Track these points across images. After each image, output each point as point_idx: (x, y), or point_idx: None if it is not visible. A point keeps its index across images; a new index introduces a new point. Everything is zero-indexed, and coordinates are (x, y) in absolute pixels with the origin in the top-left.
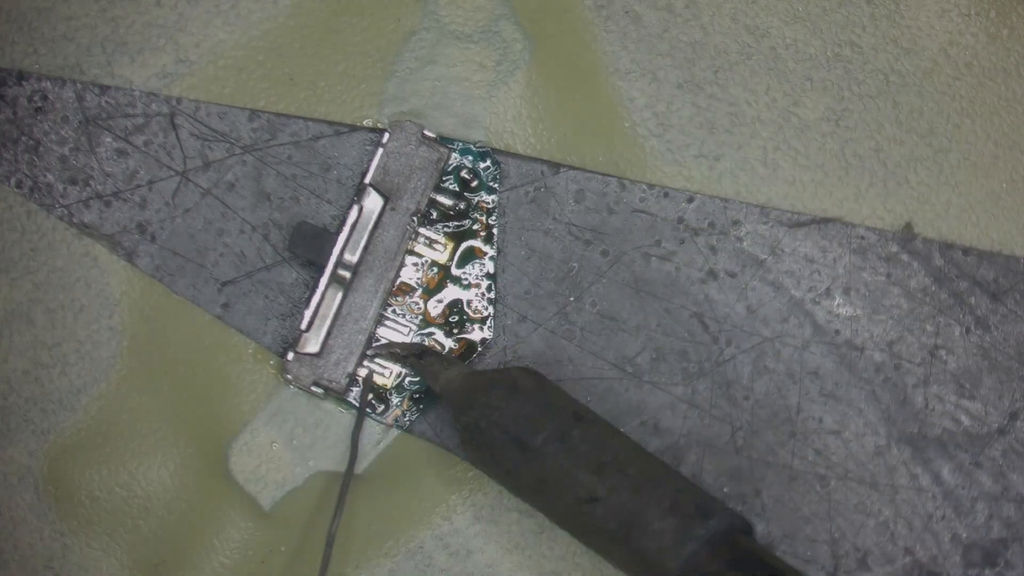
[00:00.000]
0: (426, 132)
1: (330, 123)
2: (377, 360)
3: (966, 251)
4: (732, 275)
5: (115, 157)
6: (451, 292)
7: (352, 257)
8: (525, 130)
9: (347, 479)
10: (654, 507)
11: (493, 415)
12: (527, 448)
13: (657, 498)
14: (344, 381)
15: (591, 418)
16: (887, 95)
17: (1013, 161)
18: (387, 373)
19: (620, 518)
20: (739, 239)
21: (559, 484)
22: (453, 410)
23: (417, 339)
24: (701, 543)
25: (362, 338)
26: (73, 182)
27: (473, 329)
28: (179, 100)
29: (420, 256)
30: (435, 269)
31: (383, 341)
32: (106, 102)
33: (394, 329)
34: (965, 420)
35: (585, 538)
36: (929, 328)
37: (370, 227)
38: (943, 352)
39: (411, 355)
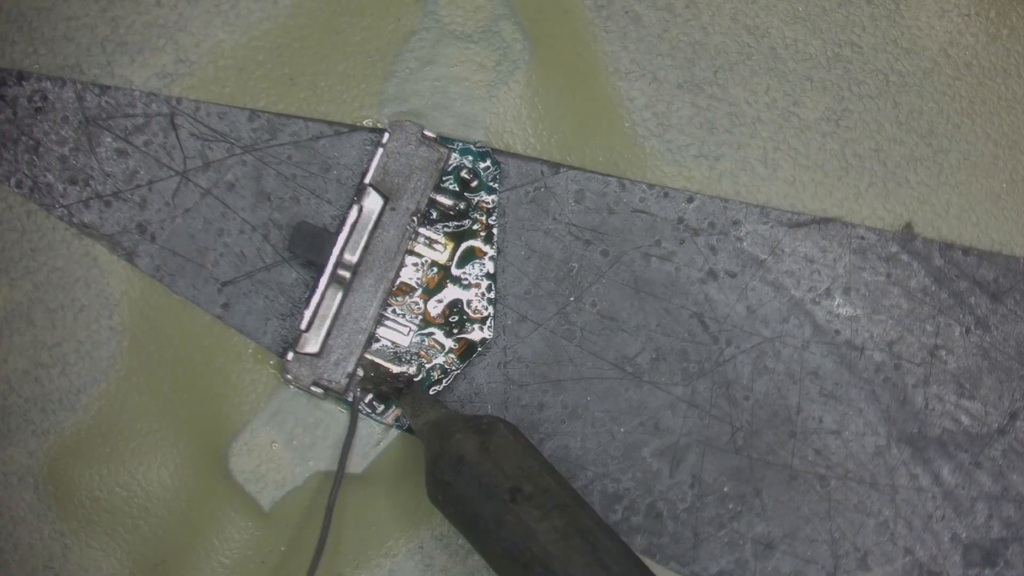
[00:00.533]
0: (426, 132)
1: (330, 123)
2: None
3: (966, 251)
4: (732, 275)
5: (115, 157)
6: (451, 292)
7: (352, 257)
8: (525, 130)
9: (347, 445)
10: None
11: (447, 490)
12: (474, 529)
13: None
14: (344, 381)
15: (528, 492)
16: (887, 95)
17: (1013, 161)
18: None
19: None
20: (739, 239)
21: (500, 569)
22: (425, 456)
23: (417, 339)
24: None
25: (362, 338)
26: (73, 182)
27: (473, 329)
28: (179, 100)
29: (420, 256)
30: (435, 269)
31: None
32: (106, 102)
33: (394, 329)
34: (965, 420)
35: None
36: (929, 328)
37: (370, 227)
38: (943, 352)
39: (393, 387)
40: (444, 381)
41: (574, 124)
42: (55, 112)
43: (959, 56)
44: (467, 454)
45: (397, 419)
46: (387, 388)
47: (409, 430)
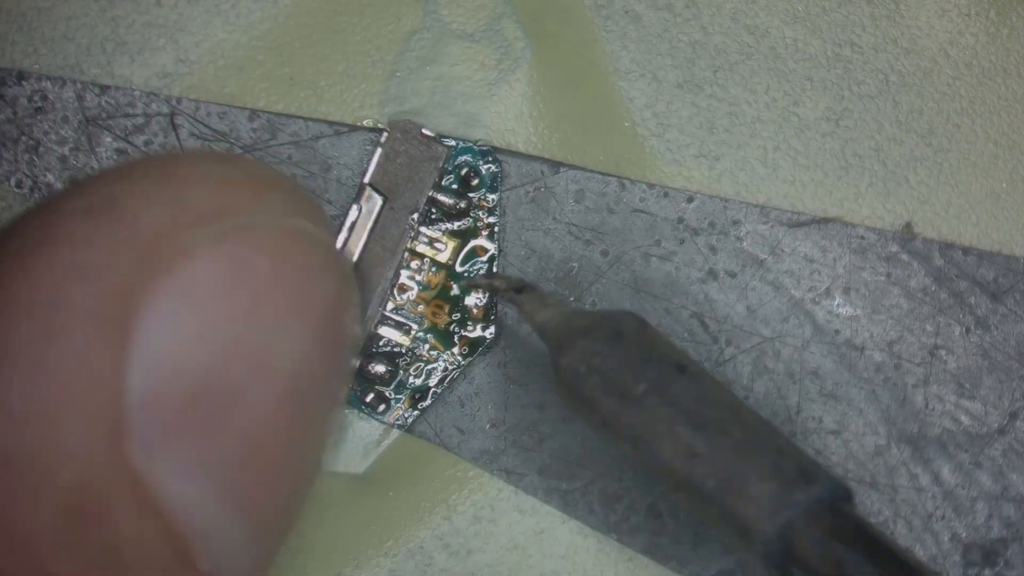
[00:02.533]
0: (425, 131)
1: (330, 123)
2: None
3: (966, 251)
4: (732, 275)
5: (115, 157)
6: (452, 292)
7: (352, 257)
8: (526, 128)
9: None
10: (754, 470)
11: (593, 360)
12: (626, 397)
13: (758, 461)
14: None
15: (695, 371)
16: (887, 95)
17: (1013, 161)
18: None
19: (718, 478)
20: (739, 239)
21: (657, 438)
22: (550, 351)
23: (418, 338)
24: (800, 510)
25: (362, 338)
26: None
27: (474, 328)
28: (179, 100)
29: (420, 256)
30: (435, 268)
31: (483, 273)
32: (106, 102)
33: (395, 328)
34: (965, 420)
35: (679, 494)
36: (929, 328)
37: (370, 227)
38: (943, 352)
39: (510, 289)
40: (444, 380)
41: (575, 123)
42: (55, 112)
43: (959, 56)
44: (625, 326)
45: (398, 419)
46: (505, 288)
47: (404, 427)
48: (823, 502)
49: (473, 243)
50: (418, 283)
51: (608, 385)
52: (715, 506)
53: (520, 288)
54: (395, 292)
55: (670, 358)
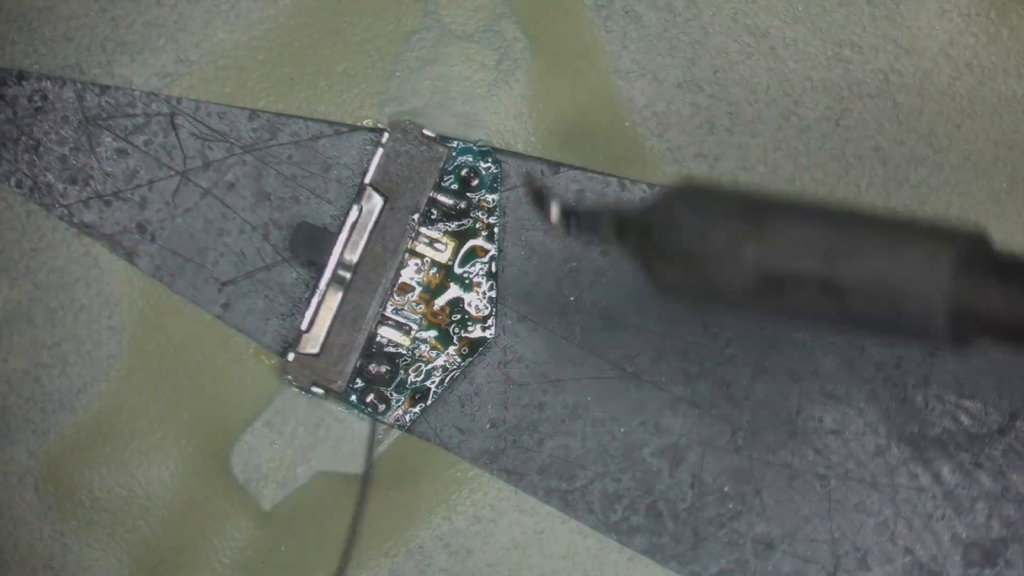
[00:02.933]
0: (426, 132)
1: (330, 123)
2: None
3: None
4: None
5: (115, 157)
6: (452, 292)
7: (352, 257)
8: (526, 129)
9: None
10: (891, 254)
11: (685, 221)
12: (736, 244)
13: (891, 242)
14: (344, 381)
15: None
16: (887, 95)
17: (1013, 161)
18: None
19: (861, 284)
20: None
21: (784, 267)
22: (632, 241)
23: (418, 339)
24: (957, 270)
25: (362, 338)
26: (73, 182)
27: (474, 329)
28: (179, 100)
29: (421, 256)
30: (436, 269)
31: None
32: (106, 102)
33: (395, 329)
34: (965, 420)
35: (839, 319)
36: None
37: (370, 227)
38: (943, 352)
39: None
40: (444, 380)
41: (574, 123)
42: (55, 112)
43: (959, 56)
44: (697, 186)
45: (397, 419)
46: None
47: (401, 427)
48: (975, 251)
49: (473, 243)
50: (418, 283)
51: (711, 224)
52: (881, 329)
53: (571, 212)
54: (395, 292)
55: (751, 188)
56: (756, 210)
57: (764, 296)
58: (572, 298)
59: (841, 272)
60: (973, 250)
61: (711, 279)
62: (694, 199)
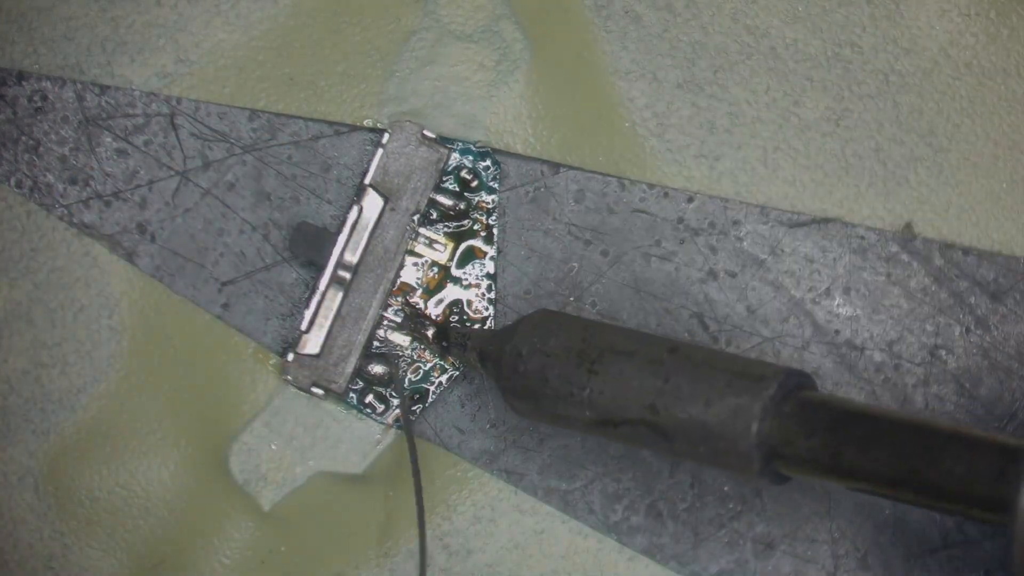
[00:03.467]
0: (426, 132)
1: (330, 123)
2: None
3: (966, 251)
4: (732, 275)
5: (115, 157)
6: (451, 292)
7: (352, 257)
8: (525, 130)
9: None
10: (711, 393)
11: (529, 347)
12: (587, 360)
13: (710, 383)
14: (344, 382)
15: (620, 330)
16: (887, 95)
17: (1013, 161)
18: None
19: (682, 429)
20: (739, 239)
21: (616, 411)
22: (489, 365)
23: (418, 339)
24: (762, 417)
25: (362, 339)
26: (73, 182)
27: (473, 329)
28: (179, 100)
29: (420, 256)
30: (435, 269)
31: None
32: (106, 102)
33: (395, 329)
34: (965, 420)
35: (657, 447)
36: (929, 328)
37: (370, 227)
38: (943, 352)
39: (435, 339)
40: (444, 380)
41: (574, 124)
42: (55, 112)
43: (959, 56)
44: (543, 317)
45: (397, 419)
46: (425, 329)
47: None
48: (782, 396)
49: (473, 244)
50: (418, 284)
51: (572, 332)
52: (692, 455)
53: (443, 333)
54: (395, 293)
55: (595, 325)
56: (593, 354)
57: (602, 429)
58: (572, 298)
59: (664, 420)
60: (781, 396)
61: (554, 411)
62: (541, 337)
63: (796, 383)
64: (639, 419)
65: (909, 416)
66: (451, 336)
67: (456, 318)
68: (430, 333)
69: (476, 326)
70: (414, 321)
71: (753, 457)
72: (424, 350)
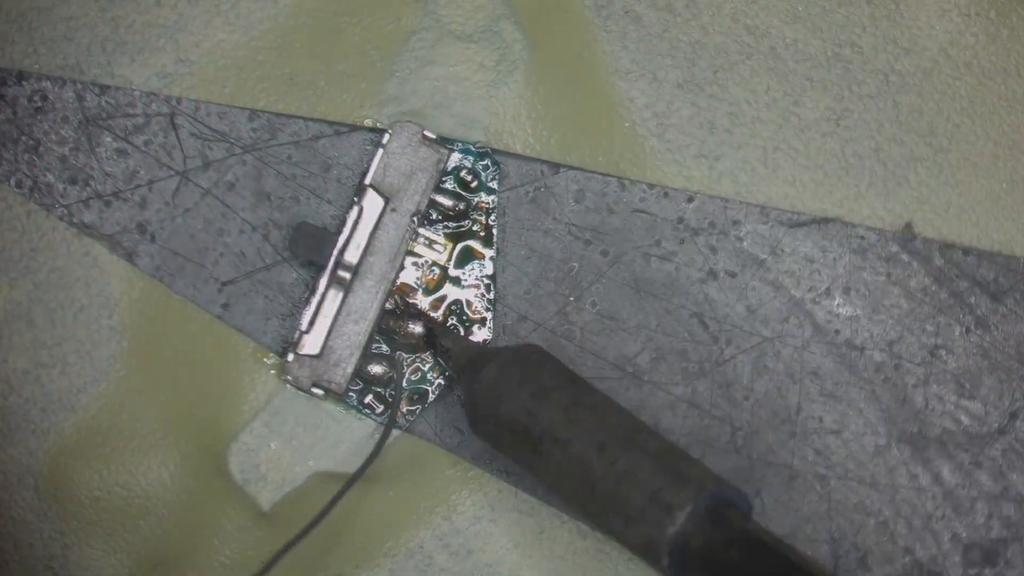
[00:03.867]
0: (426, 133)
1: (330, 123)
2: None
3: (966, 251)
4: (732, 275)
5: (115, 157)
6: (451, 292)
7: (352, 257)
8: (525, 130)
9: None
10: (646, 482)
11: (501, 381)
12: (534, 415)
13: (650, 473)
14: (344, 382)
15: (596, 396)
16: (887, 95)
17: (1013, 161)
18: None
19: (612, 496)
20: (739, 239)
21: (558, 492)
22: (461, 375)
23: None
24: (670, 551)
25: (362, 339)
26: (73, 182)
27: (473, 329)
28: (179, 100)
29: (420, 256)
30: (435, 269)
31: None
32: (106, 102)
33: (385, 317)
34: (965, 420)
35: (587, 516)
36: (929, 328)
37: (370, 228)
38: (943, 352)
39: (429, 320)
40: (444, 381)
41: (574, 124)
42: (55, 112)
43: (959, 56)
44: (530, 356)
45: (397, 419)
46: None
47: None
48: (709, 512)
49: (472, 244)
50: (418, 284)
51: (518, 404)
52: (616, 519)
53: (431, 334)
54: (395, 293)
55: (573, 382)
56: (535, 434)
57: (539, 467)
58: (572, 298)
59: (595, 522)
60: (692, 527)
61: (499, 438)
62: (495, 398)
63: (715, 508)
64: (579, 509)
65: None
66: (436, 342)
67: (453, 320)
68: (418, 330)
69: (475, 327)
70: (404, 315)
71: (667, 574)
72: (413, 350)
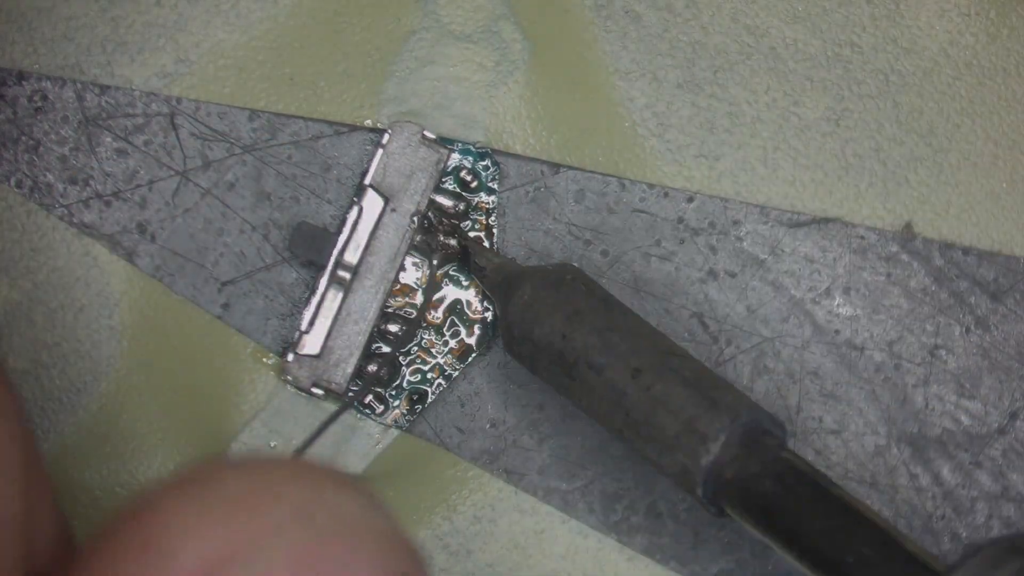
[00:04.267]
0: (426, 133)
1: (330, 123)
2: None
3: (966, 251)
4: (732, 275)
5: (115, 157)
6: (451, 292)
7: (352, 258)
8: (524, 130)
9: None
10: (682, 406)
11: (537, 303)
12: (569, 338)
13: (684, 397)
14: (344, 382)
15: (633, 317)
16: (887, 95)
17: (1013, 161)
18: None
19: (650, 416)
20: (739, 239)
21: (594, 416)
22: (496, 296)
23: (417, 340)
24: (705, 480)
25: (362, 339)
26: (73, 182)
27: (473, 329)
28: (179, 100)
29: (420, 257)
30: (435, 270)
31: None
32: (106, 102)
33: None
34: (965, 420)
35: (625, 437)
36: (929, 328)
37: (370, 228)
38: (943, 352)
39: (462, 234)
40: (443, 381)
41: (574, 124)
42: (55, 112)
43: (959, 56)
44: (567, 276)
45: (396, 420)
46: (448, 239)
47: (393, 424)
48: (744, 441)
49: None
50: (417, 284)
51: (553, 327)
52: (650, 446)
53: (466, 254)
54: (394, 293)
55: (607, 304)
56: (569, 359)
57: (574, 391)
58: None
59: (632, 444)
60: (728, 457)
61: (534, 361)
62: (531, 319)
63: (749, 435)
64: (615, 432)
65: (852, 501)
66: (471, 259)
67: (457, 317)
68: (452, 243)
69: (475, 327)
70: (439, 230)
71: (702, 504)
72: (426, 351)
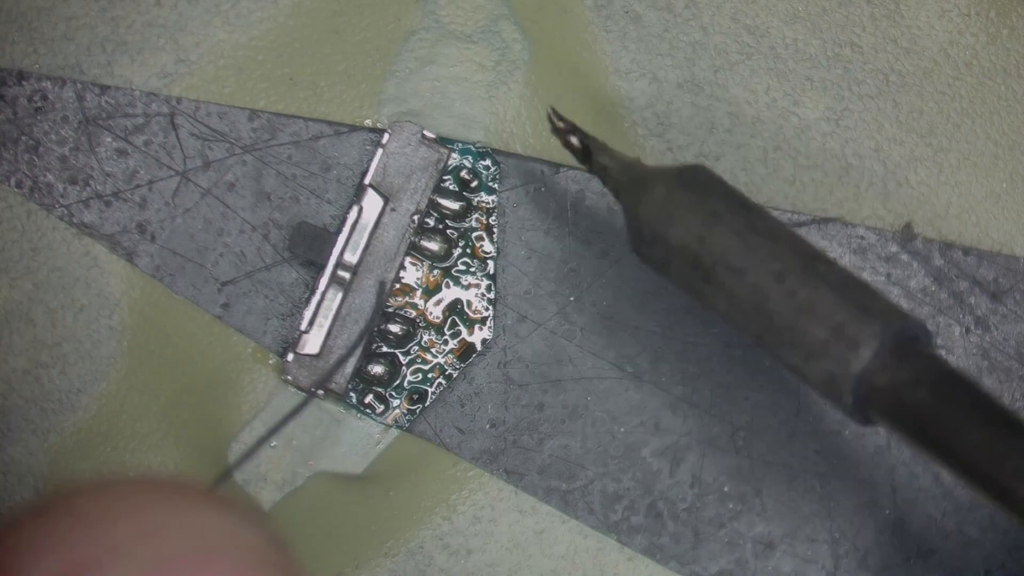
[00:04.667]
0: (426, 133)
1: (330, 123)
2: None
3: (966, 251)
4: None
5: (115, 157)
6: (451, 292)
7: (352, 257)
8: (524, 130)
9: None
10: (827, 310)
11: (672, 206)
12: (705, 240)
13: (830, 301)
14: (344, 382)
15: (769, 218)
16: (887, 95)
17: (1013, 161)
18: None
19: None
20: None
21: (732, 323)
22: (624, 198)
23: (421, 335)
24: (856, 388)
25: (362, 339)
26: (73, 182)
27: (473, 329)
28: (179, 100)
29: (420, 257)
30: (435, 270)
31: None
32: (106, 102)
33: (394, 330)
34: None
35: (763, 345)
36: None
37: (370, 228)
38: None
39: (581, 136)
40: (443, 381)
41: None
42: (55, 112)
43: (959, 56)
44: (700, 177)
45: (396, 420)
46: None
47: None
48: (895, 348)
49: (472, 245)
50: (418, 284)
51: (689, 229)
52: (795, 352)
53: (587, 151)
54: (394, 293)
55: (746, 206)
56: (707, 262)
57: (711, 296)
58: (572, 298)
59: (772, 352)
60: (878, 365)
61: (667, 264)
62: (666, 220)
63: (900, 342)
64: (753, 339)
65: (1011, 412)
66: (593, 158)
67: (457, 317)
68: (575, 142)
69: (475, 327)
70: (559, 130)
71: (849, 413)
72: (426, 351)
